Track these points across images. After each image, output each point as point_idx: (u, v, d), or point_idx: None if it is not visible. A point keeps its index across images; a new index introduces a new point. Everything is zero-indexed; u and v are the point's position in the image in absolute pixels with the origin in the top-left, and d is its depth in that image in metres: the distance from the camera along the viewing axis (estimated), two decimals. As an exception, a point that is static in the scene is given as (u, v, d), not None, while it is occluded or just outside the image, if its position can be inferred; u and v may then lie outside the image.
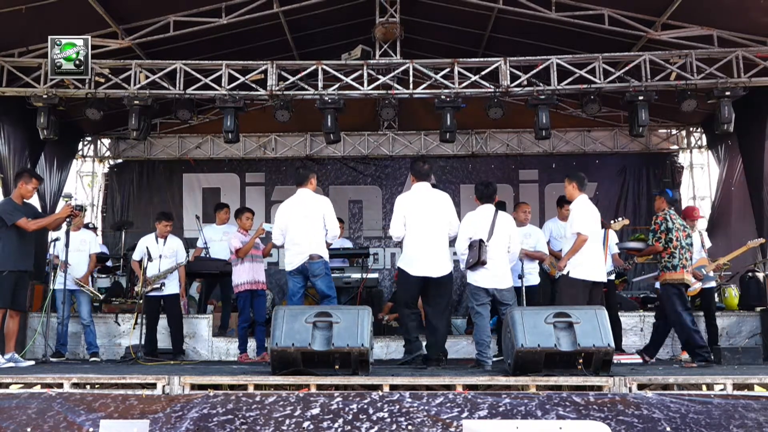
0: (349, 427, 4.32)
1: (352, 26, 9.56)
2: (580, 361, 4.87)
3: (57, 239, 7.04)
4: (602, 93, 8.90)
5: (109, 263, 9.91)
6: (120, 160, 12.01)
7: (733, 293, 8.53)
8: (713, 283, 7.67)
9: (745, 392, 4.81)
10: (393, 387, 4.73)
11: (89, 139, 11.87)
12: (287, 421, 4.36)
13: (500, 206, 6.33)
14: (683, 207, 11.13)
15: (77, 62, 8.11)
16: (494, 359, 6.14)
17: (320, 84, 8.79)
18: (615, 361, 5.51)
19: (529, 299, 6.89)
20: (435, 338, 6.03)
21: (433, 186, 6.47)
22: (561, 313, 5.00)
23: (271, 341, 4.91)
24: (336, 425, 4.33)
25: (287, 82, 8.80)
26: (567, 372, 4.89)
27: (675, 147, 11.77)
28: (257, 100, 9.46)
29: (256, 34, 9.25)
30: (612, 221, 7.27)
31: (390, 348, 7.71)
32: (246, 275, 7.27)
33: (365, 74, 8.74)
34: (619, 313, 7.61)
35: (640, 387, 4.74)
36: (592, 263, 6.19)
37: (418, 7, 9.16)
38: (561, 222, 7.68)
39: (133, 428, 4.32)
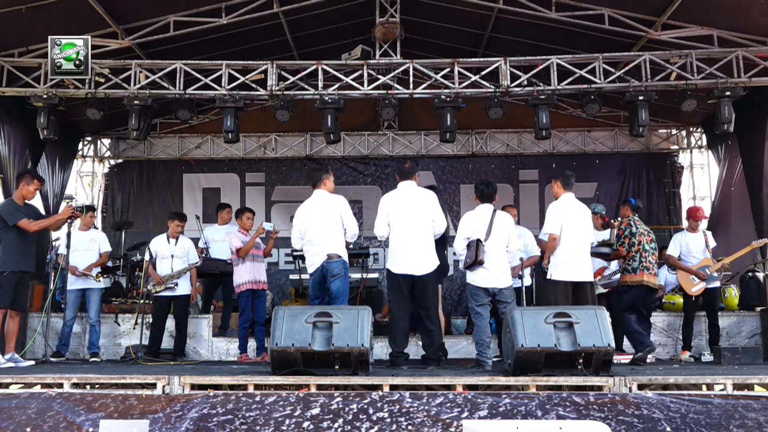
0: (349, 427, 4.32)
1: (352, 26, 9.56)
2: (580, 361, 4.87)
3: (58, 239, 7.05)
4: (602, 93, 8.90)
5: (109, 263, 9.88)
6: (120, 160, 12.02)
7: (733, 293, 8.53)
8: (717, 283, 7.66)
9: (745, 392, 4.81)
10: (393, 387, 4.73)
11: (89, 139, 11.88)
12: (287, 421, 4.36)
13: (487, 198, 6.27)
14: (683, 207, 11.20)
15: (77, 62, 8.10)
16: (494, 359, 6.14)
17: (320, 84, 8.79)
18: (615, 361, 5.52)
19: (518, 300, 6.86)
20: (428, 338, 6.01)
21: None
22: (561, 313, 4.99)
23: (271, 341, 4.91)
24: (336, 425, 4.33)
25: (287, 82, 8.80)
26: (567, 372, 4.89)
27: (675, 147, 11.78)
28: (257, 100, 9.46)
29: (256, 34, 9.25)
30: (612, 221, 7.28)
31: (390, 348, 7.69)
32: (247, 275, 7.28)
33: (365, 74, 8.74)
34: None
35: (640, 387, 4.74)
36: (573, 263, 6.16)
37: (418, 7, 9.15)
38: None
39: (133, 428, 4.32)
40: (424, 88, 8.91)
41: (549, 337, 4.87)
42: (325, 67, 8.82)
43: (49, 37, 8.09)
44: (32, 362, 6.41)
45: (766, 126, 8.93)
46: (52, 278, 8.32)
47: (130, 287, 9.07)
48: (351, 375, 4.86)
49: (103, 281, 7.95)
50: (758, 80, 8.38)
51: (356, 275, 8.63)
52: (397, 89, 8.92)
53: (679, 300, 8.07)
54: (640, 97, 8.51)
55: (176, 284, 7.43)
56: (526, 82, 8.73)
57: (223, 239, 8.49)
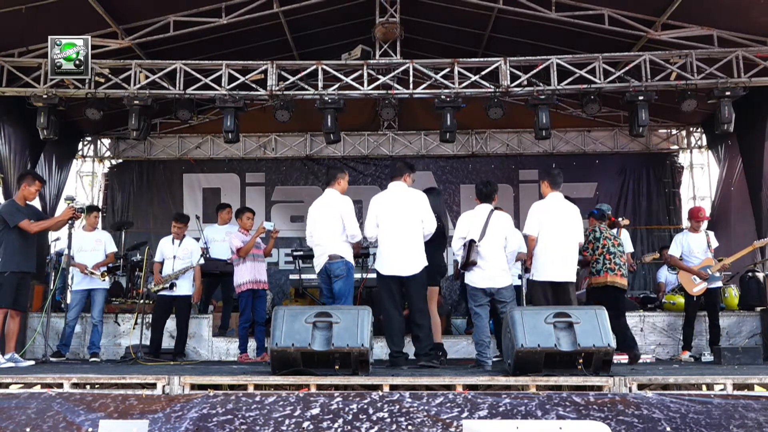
0: (349, 427, 4.32)
1: (352, 26, 9.56)
2: (580, 361, 4.87)
3: (58, 239, 7.05)
4: (602, 93, 8.91)
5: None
6: (120, 160, 12.02)
7: (733, 293, 8.53)
8: (719, 283, 7.66)
9: (745, 392, 4.80)
10: (393, 387, 4.73)
11: (89, 139, 11.89)
12: (287, 421, 4.35)
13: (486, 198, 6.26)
14: (683, 207, 11.21)
15: (77, 62, 8.10)
16: (494, 359, 6.14)
17: (320, 84, 8.80)
18: (615, 361, 5.51)
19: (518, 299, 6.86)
20: (417, 337, 5.96)
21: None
22: (561, 313, 4.99)
23: (271, 341, 4.91)
24: (336, 425, 4.33)
25: (287, 82, 8.80)
26: (567, 372, 4.88)
27: (675, 147, 11.78)
28: (257, 100, 9.46)
29: (256, 34, 9.25)
30: (618, 220, 7.31)
31: (389, 348, 7.68)
32: (248, 275, 7.28)
33: (365, 74, 8.74)
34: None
35: (640, 387, 4.73)
36: (553, 264, 6.17)
37: (418, 7, 9.15)
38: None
39: (133, 428, 4.32)
40: (424, 88, 8.91)
41: (549, 337, 4.86)
42: (325, 67, 8.82)
43: (49, 37, 8.09)
44: (32, 362, 6.42)
45: (766, 126, 8.93)
46: (52, 278, 8.32)
47: (130, 287, 9.08)
48: (351, 375, 4.85)
49: (107, 279, 7.95)
50: (758, 80, 8.38)
51: (356, 275, 8.61)
52: (397, 89, 8.92)
53: (680, 300, 8.08)
54: (640, 97, 8.51)
55: (174, 284, 7.40)
56: (526, 82, 8.73)
57: (222, 239, 8.49)
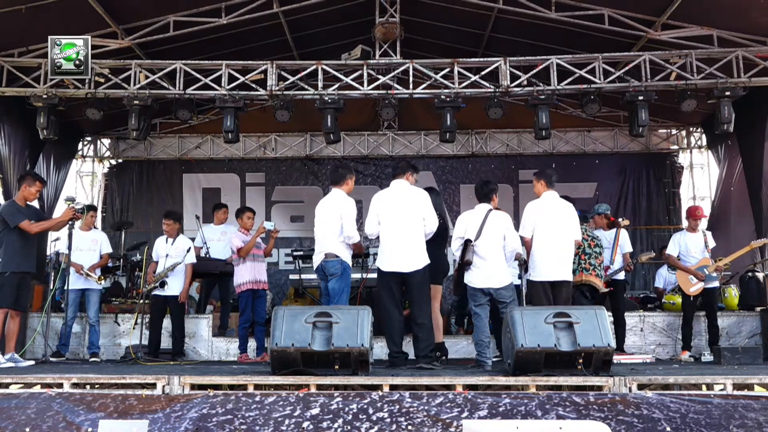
0: (348, 427, 4.32)
1: (352, 26, 9.56)
2: (580, 361, 4.87)
3: (58, 239, 7.04)
4: (602, 93, 8.90)
5: (109, 263, 9.89)
6: (120, 160, 12.03)
7: (733, 293, 8.53)
8: (716, 283, 7.65)
9: (745, 392, 4.81)
10: (393, 387, 4.73)
11: (89, 139, 11.88)
12: (287, 421, 4.36)
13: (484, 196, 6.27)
14: (683, 207, 11.20)
15: (77, 62, 8.10)
16: (494, 359, 6.13)
17: (320, 84, 8.79)
18: (615, 361, 5.51)
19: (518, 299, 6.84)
20: (418, 337, 5.92)
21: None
22: (561, 313, 4.99)
23: (271, 341, 4.91)
24: (336, 425, 4.33)
25: (287, 82, 8.80)
26: (567, 372, 4.88)
27: (675, 147, 11.78)
28: (257, 100, 9.46)
29: (256, 34, 9.25)
30: (618, 220, 7.30)
31: (389, 348, 7.68)
32: (248, 275, 7.27)
33: (365, 74, 8.74)
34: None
35: (640, 387, 4.74)
36: (549, 263, 6.16)
37: (418, 7, 9.15)
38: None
39: (133, 428, 4.32)
40: (423, 88, 8.90)
41: (549, 337, 4.87)
42: (325, 67, 8.82)
43: (49, 37, 8.08)
44: (32, 362, 6.42)
45: (766, 126, 8.93)
46: (52, 278, 8.32)
47: (130, 287, 9.07)
48: (351, 375, 4.85)
49: (104, 282, 7.95)
50: (758, 80, 8.38)
51: (356, 275, 8.60)
52: (397, 89, 8.92)
53: (679, 300, 8.07)
54: (640, 97, 8.50)
55: (164, 283, 7.26)
56: (526, 82, 8.73)
57: (219, 239, 8.49)
